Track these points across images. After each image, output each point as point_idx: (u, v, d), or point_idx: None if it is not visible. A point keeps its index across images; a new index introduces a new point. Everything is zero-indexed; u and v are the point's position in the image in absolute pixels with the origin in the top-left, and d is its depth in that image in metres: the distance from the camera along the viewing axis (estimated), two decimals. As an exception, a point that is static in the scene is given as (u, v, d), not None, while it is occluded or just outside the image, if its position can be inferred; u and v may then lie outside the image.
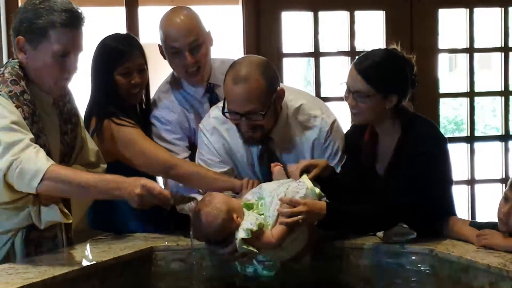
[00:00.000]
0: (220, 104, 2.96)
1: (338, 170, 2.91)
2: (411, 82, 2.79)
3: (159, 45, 3.26)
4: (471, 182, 5.23)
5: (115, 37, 3.14)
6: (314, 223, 2.62)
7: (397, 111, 2.78)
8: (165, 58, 3.28)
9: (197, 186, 2.99)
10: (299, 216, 2.53)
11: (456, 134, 14.21)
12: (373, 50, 2.85)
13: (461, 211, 4.59)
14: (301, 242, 2.65)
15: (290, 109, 2.91)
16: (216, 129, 2.94)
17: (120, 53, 3.06)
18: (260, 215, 2.57)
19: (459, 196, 4.17)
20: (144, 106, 3.27)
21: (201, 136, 3.00)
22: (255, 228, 2.47)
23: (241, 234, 2.46)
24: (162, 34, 3.20)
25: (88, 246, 2.73)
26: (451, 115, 16.00)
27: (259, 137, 2.83)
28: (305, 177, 2.64)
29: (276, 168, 2.77)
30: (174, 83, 3.32)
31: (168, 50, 3.20)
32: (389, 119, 2.79)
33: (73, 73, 2.61)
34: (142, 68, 3.12)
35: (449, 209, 2.90)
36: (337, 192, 2.76)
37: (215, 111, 2.99)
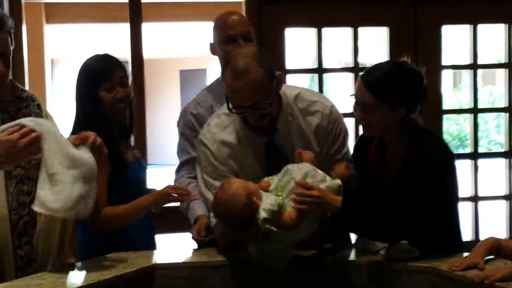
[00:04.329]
0: (220, 111, 3.00)
1: (344, 151, 2.98)
2: (420, 95, 2.79)
3: (210, 43, 3.51)
4: (475, 198, 5.22)
5: (96, 58, 3.22)
6: (327, 213, 2.63)
7: (405, 124, 2.78)
8: (215, 54, 3.50)
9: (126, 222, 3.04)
10: (309, 199, 2.55)
11: (460, 150, 14.23)
12: (381, 63, 2.87)
13: (465, 228, 4.58)
14: (315, 223, 2.67)
15: (289, 97, 2.95)
16: (218, 137, 2.94)
17: (102, 71, 3.13)
18: (278, 196, 2.61)
19: (463, 213, 4.15)
20: (128, 122, 3.31)
21: (202, 150, 2.98)
22: (275, 209, 2.53)
23: (262, 214, 2.52)
24: (220, 25, 3.47)
25: (90, 264, 2.72)
26: (455, 131, 16.02)
27: (267, 124, 2.85)
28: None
29: (307, 154, 2.79)
30: (216, 83, 3.51)
31: (223, 39, 3.42)
32: (398, 131, 2.79)
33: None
34: (125, 82, 3.19)
35: (454, 225, 2.89)
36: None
37: (215, 120, 3.00)
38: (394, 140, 2.82)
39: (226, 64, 2.82)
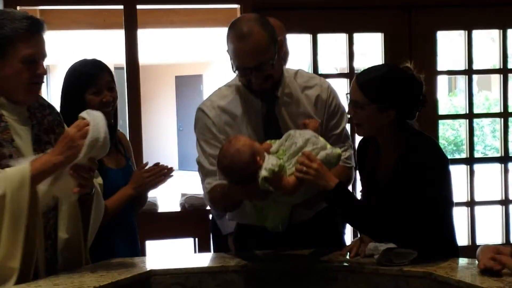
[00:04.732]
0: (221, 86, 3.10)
1: (341, 127, 3.06)
2: (415, 101, 2.81)
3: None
4: (471, 203, 5.23)
5: (84, 62, 3.27)
6: (319, 188, 2.69)
7: (399, 127, 2.80)
8: None
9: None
10: (306, 169, 2.63)
11: (456, 155, 14.25)
12: (378, 65, 2.93)
13: (461, 233, 4.58)
14: (312, 190, 2.73)
15: (290, 73, 3.06)
16: (217, 105, 3.01)
17: (90, 76, 3.18)
18: (280, 159, 2.69)
19: (459, 218, 4.14)
20: (113, 124, 3.32)
21: (199, 116, 3.04)
22: (276, 169, 2.61)
23: (263, 173, 2.60)
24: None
25: (85, 271, 2.71)
26: (450, 136, 16.04)
27: (270, 86, 2.93)
28: None
29: (312, 123, 2.88)
30: None
31: None
32: (391, 133, 2.81)
33: (42, 78, 2.68)
34: (111, 86, 3.23)
35: (449, 230, 2.89)
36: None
37: (216, 91, 3.09)
38: (387, 142, 2.84)
39: (229, 28, 2.90)
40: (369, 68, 2.86)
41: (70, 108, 3.15)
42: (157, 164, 3.28)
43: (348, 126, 4.18)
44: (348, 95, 2.83)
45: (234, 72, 2.91)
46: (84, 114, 2.56)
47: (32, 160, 2.52)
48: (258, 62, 2.82)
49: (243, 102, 2.98)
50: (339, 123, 3.06)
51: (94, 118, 2.53)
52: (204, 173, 2.99)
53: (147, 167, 3.26)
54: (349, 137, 3.11)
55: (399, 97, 2.76)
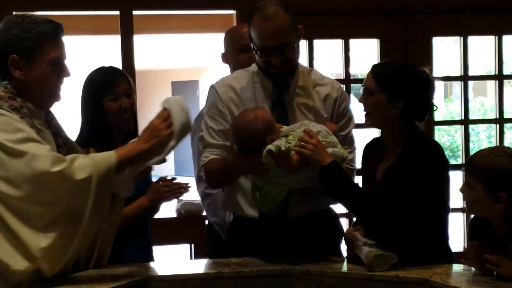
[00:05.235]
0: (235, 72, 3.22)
1: (347, 130, 3.10)
2: (425, 101, 2.87)
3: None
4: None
5: (100, 70, 3.31)
6: (315, 163, 2.76)
7: (406, 126, 2.84)
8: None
9: None
10: (302, 144, 2.74)
11: (452, 161, 14.25)
12: (396, 60, 3.03)
13: (457, 238, 4.58)
14: (311, 179, 2.82)
15: (304, 68, 3.16)
16: (227, 83, 3.10)
17: (106, 83, 3.23)
18: (289, 143, 2.78)
19: (455, 223, 4.15)
20: (132, 130, 3.35)
21: (209, 93, 3.14)
22: (283, 149, 2.71)
23: (270, 147, 2.71)
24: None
25: (82, 277, 2.71)
26: (446, 142, 16.06)
27: (288, 69, 3.03)
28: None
29: (330, 125, 2.97)
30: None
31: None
32: (396, 129, 2.86)
33: (63, 81, 2.72)
34: (129, 92, 3.28)
35: (443, 235, 2.89)
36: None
37: (232, 74, 3.21)
38: (392, 139, 2.89)
39: (254, 11, 3.00)
40: (386, 61, 3.04)
41: (90, 115, 3.24)
42: (173, 179, 3.29)
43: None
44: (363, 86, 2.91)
45: (255, 52, 2.99)
46: (164, 103, 2.71)
47: (116, 149, 2.59)
48: (279, 43, 2.93)
49: (255, 85, 3.06)
50: (347, 125, 3.11)
51: (173, 106, 2.67)
52: (204, 145, 3.06)
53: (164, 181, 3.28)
54: (354, 142, 3.15)
55: (408, 90, 2.82)
